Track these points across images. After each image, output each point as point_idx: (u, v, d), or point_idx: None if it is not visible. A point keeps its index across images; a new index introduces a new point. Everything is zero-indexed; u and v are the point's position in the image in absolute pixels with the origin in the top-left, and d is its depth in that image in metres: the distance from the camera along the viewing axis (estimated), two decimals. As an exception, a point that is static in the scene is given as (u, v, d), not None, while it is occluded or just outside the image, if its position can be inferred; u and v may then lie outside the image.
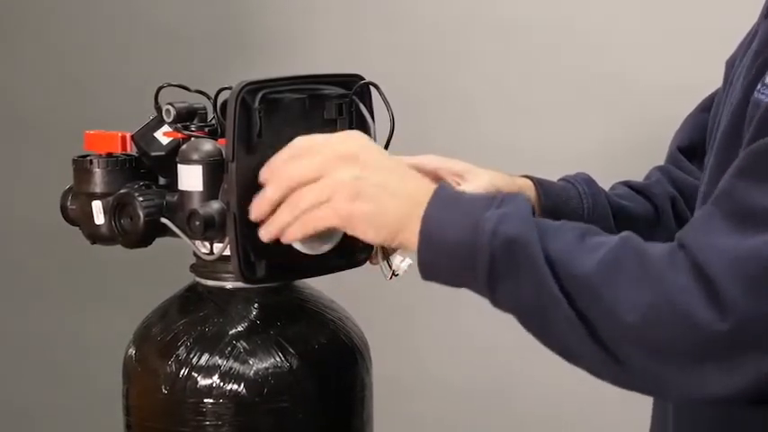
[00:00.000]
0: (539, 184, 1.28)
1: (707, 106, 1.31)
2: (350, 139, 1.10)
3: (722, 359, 0.93)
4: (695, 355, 0.94)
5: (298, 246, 1.13)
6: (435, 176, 1.28)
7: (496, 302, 1.02)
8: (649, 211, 1.34)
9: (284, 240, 1.11)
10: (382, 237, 1.06)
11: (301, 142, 1.11)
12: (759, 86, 1.04)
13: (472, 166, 1.26)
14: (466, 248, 1.00)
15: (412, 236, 1.04)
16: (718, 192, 0.98)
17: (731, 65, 1.21)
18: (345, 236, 1.12)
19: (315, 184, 1.07)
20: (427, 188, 1.06)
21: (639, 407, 1.24)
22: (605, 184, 1.37)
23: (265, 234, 1.10)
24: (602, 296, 0.95)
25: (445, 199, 1.05)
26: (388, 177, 1.06)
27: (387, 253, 1.19)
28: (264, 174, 1.11)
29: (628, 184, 1.36)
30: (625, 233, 1.00)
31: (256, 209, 1.11)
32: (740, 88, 1.10)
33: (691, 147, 1.37)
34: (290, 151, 1.10)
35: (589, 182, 1.31)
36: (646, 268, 0.95)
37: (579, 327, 0.96)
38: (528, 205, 1.02)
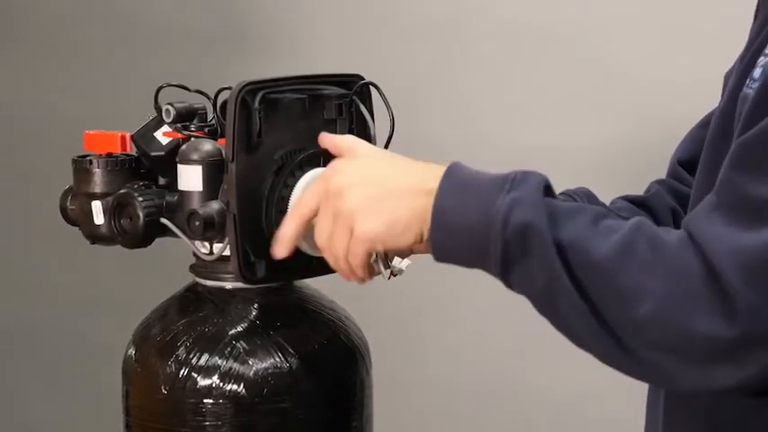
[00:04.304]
0: None
1: (706, 122, 1.31)
2: (337, 173, 1.08)
3: (730, 352, 0.93)
4: (703, 347, 0.94)
5: (304, 248, 1.13)
6: None
7: (510, 286, 1.02)
8: None
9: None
10: (412, 238, 1.04)
11: (300, 201, 1.12)
12: (747, 81, 1.04)
13: None
14: (479, 236, 0.99)
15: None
16: (718, 183, 0.98)
17: (728, 77, 1.21)
18: None
19: (334, 229, 1.06)
20: (435, 173, 1.04)
21: (637, 406, 1.24)
22: (606, 184, 1.37)
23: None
24: (614, 283, 0.95)
25: (455, 183, 1.03)
26: (387, 183, 1.05)
27: (386, 254, 1.19)
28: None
29: (627, 199, 1.36)
30: (638, 218, 0.99)
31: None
32: (728, 88, 1.10)
33: (690, 160, 1.37)
34: (299, 211, 1.11)
35: (589, 196, 1.31)
36: (659, 255, 0.95)
37: (588, 315, 0.96)
38: (541, 186, 1.00)
